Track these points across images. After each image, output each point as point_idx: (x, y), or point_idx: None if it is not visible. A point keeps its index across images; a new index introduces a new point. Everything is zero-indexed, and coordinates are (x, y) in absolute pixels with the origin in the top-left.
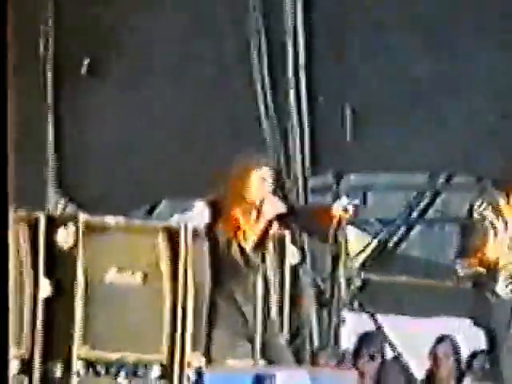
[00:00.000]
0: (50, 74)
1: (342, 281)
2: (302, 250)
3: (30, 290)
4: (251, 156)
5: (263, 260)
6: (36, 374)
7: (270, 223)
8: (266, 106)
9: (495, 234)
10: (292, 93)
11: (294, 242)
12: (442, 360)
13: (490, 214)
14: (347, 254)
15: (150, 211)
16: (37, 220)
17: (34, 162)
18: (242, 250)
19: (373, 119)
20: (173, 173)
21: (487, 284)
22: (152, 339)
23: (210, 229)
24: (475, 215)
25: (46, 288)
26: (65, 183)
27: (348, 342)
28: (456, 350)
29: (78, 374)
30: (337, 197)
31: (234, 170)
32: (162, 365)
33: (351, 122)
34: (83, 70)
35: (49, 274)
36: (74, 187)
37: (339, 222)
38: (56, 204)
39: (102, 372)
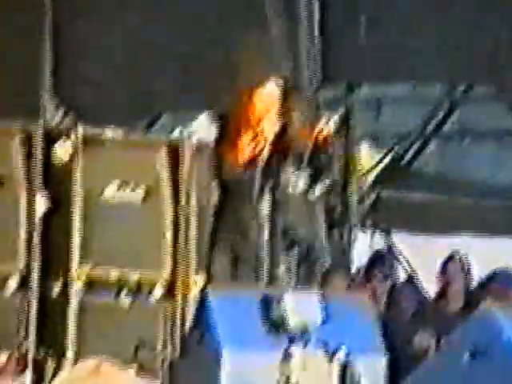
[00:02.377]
0: None
1: (354, 198)
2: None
3: (27, 206)
4: (260, 69)
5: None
6: (34, 292)
7: (265, 143)
8: (276, 12)
9: None
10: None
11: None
12: (453, 278)
13: None
14: (359, 171)
15: (151, 124)
16: (33, 133)
17: (30, 71)
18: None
19: (388, 28)
20: (175, 84)
21: None
22: (154, 259)
23: (216, 144)
24: None
25: (42, 204)
26: (62, 94)
27: (360, 261)
28: (468, 268)
29: (78, 293)
30: (350, 110)
31: (241, 83)
32: (164, 285)
33: (365, 30)
34: None
35: (45, 189)
36: (71, 98)
37: (321, 141)
38: (53, 116)
39: (103, 291)
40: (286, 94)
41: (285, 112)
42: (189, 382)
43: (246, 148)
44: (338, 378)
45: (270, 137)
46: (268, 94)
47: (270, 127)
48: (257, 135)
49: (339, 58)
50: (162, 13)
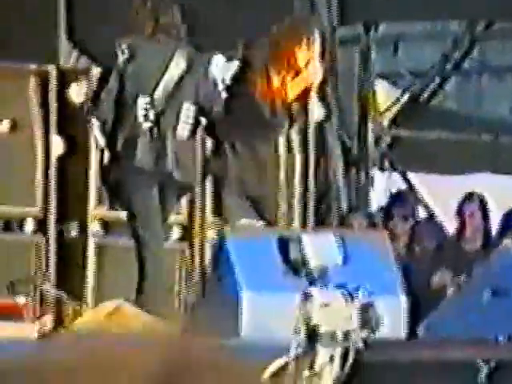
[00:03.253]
0: None
1: (371, 138)
2: (327, 105)
3: (42, 148)
4: (299, 19)
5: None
6: (51, 234)
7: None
8: None
9: None
10: None
11: (320, 98)
12: (471, 217)
13: None
14: (376, 110)
15: None
16: (48, 74)
17: (45, 13)
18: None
19: None
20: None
21: None
22: None
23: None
24: None
25: (58, 145)
26: (77, 35)
27: (378, 202)
28: (485, 207)
29: (95, 235)
30: (367, 48)
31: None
32: (181, 228)
33: None
34: None
35: (61, 130)
36: (86, 39)
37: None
38: (68, 56)
39: (120, 233)
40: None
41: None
42: (208, 324)
43: (281, 88)
44: (358, 319)
45: (315, 82)
46: (308, 42)
47: (313, 73)
48: (295, 77)
49: None
50: None
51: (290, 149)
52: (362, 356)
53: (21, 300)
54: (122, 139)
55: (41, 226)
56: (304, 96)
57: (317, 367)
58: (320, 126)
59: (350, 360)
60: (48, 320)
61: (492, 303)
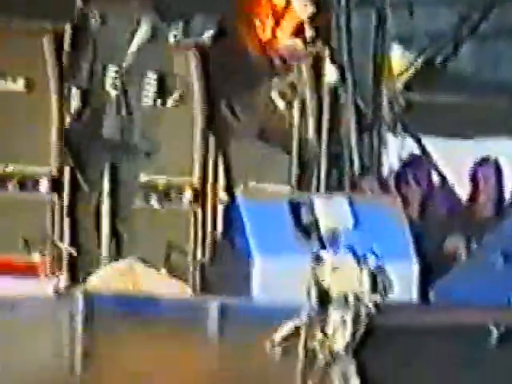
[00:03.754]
0: None
1: (385, 102)
2: (341, 68)
3: (58, 107)
4: None
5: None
6: (65, 193)
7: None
8: None
9: None
10: None
11: (333, 60)
12: (485, 182)
13: None
14: (390, 73)
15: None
16: (64, 32)
17: None
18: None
19: None
20: None
21: None
22: (184, 163)
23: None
24: None
25: (77, 103)
26: None
27: (390, 166)
28: (500, 172)
29: (108, 196)
30: (382, 12)
31: None
32: (193, 189)
33: None
34: None
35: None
36: None
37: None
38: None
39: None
40: None
41: None
42: (220, 286)
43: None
44: (369, 283)
45: (305, 16)
46: None
47: (300, 7)
48: (281, 20)
49: None
50: None
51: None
52: (373, 320)
53: (36, 257)
54: (91, 108)
55: (55, 185)
56: (298, 34)
57: (328, 330)
58: (334, 89)
59: (362, 323)
60: (62, 277)
61: (504, 268)
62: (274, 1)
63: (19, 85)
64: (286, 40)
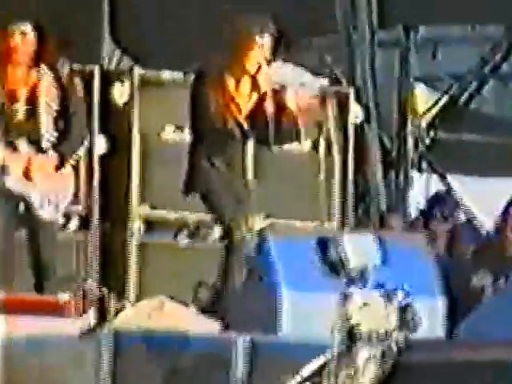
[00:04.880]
0: None
1: (410, 140)
2: (366, 107)
3: (85, 147)
4: (253, 20)
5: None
6: (94, 232)
7: (264, 95)
8: None
9: None
10: None
11: (357, 99)
12: (510, 219)
13: None
14: (415, 112)
15: None
16: (91, 74)
17: (89, 13)
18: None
19: None
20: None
21: None
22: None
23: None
24: None
25: (101, 144)
26: (120, 35)
27: (417, 203)
28: None
29: (137, 234)
30: (406, 51)
31: (233, 35)
32: (222, 226)
33: None
34: None
35: (104, 130)
36: (129, 40)
37: None
38: (111, 57)
39: (162, 231)
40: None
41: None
42: (248, 322)
43: (243, 99)
44: (397, 320)
45: (267, 89)
46: (260, 45)
47: (265, 81)
48: (255, 87)
49: (397, 1)
50: None
51: (329, 149)
52: (400, 356)
53: (64, 297)
54: None
55: (84, 223)
56: (260, 105)
57: (356, 367)
58: (359, 127)
59: (390, 360)
60: (90, 316)
61: None
62: (248, 63)
63: None
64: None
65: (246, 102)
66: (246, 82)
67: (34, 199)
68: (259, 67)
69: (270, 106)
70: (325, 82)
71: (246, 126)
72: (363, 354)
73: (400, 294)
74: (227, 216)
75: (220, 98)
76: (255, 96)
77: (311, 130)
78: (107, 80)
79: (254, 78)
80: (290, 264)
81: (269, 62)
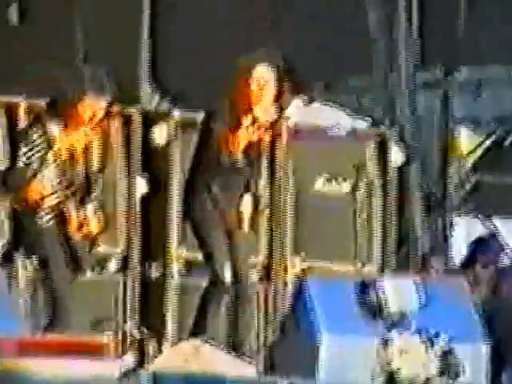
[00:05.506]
0: None
1: (452, 182)
2: (407, 149)
3: (125, 188)
4: (254, 55)
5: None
6: (134, 273)
7: (262, 129)
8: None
9: None
10: None
11: (399, 140)
12: None
13: None
14: (458, 154)
15: None
16: (131, 116)
17: (128, 55)
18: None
19: (487, 11)
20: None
21: None
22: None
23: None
24: None
25: (141, 186)
26: (159, 77)
27: (459, 246)
28: None
29: (177, 275)
30: (448, 93)
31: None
32: (261, 268)
33: (465, 12)
34: None
35: (144, 171)
36: (168, 82)
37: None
38: (150, 99)
39: (200, 273)
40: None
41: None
42: (286, 365)
43: (244, 134)
44: (438, 366)
45: (265, 123)
46: (260, 79)
47: (263, 113)
48: (254, 121)
49: (437, 41)
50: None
51: (370, 192)
52: None
53: (104, 338)
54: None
55: (124, 265)
56: (259, 141)
57: None
58: (400, 169)
59: None
60: (129, 359)
61: None
62: (250, 101)
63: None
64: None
65: (245, 136)
66: (248, 117)
67: None
68: (261, 103)
69: (266, 141)
70: (364, 123)
71: (240, 160)
72: None
73: (441, 340)
74: (216, 255)
75: (222, 131)
76: (253, 130)
77: (351, 171)
78: (147, 121)
79: (255, 114)
80: (328, 307)
81: (275, 99)
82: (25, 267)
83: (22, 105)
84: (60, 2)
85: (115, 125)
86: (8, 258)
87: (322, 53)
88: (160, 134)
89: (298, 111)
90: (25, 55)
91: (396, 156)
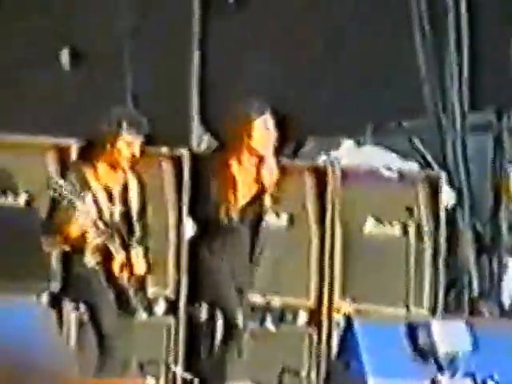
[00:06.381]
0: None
1: (504, 224)
2: (459, 191)
3: (174, 230)
4: (252, 104)
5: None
6: (182, 316)
7: (263, 188)
8: (423, 33)
9: None
10: (451, 16)
11: (450, 183)
12: None
13: None
14: (509, 196)
15: (296, 150)
16: (180, 157)
17: (178, 96)
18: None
19: None
20: (318, 109)
21: None
22: (299, 284)
23: None
24: None
25: (190, 228)
26: (208, 117)
27: (511, 290)
28: None
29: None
30: (499, 135)
31: (234, 117)
32: (309, 311)
33: None
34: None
35: (193, 213)
36: (217, 122)
37: None
38: (200, 140)
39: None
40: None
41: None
42: None
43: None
44: None
45: (270, 181)
46: (265, 127)
47: (267, 173)
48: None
49: (488, 83)
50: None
51: (420, 234)
52: None
53: (151, 381)
54: None
55: (172, 307)
56: (260, 196)
57: None
58: (452, 212)
59: None
60: None
61: None
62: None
63: None
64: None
65: (245, 193)
66: (248, 172)
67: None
68: (262, 158)
69: (267, 200)
70: (415, 165)
71: (236, 218)
72: None
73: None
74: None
75: (221, 185)
76: (254, 189)
77: (401, 213)
78: (196, 161)
79: (258, 170)
80: (377, 349)
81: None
82: (74, 309)
83: (74, 147)
84: (111, 45)
85: (165, 166)
86: (57, 300)
87: (373, 93)
88: None
89: (348, 153)
90: (76, 100)
91: (447, 198)
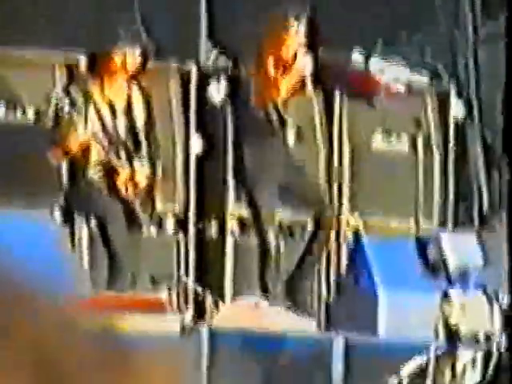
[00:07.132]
0: None
1: None
2: (468, 103)
3: (182, 146)
4: (286, 8)
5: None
6: (191, 233)
7: (303, 80)
8: None
9: None
10: None
11: (459, 94)
12: None
13: None
14: None
15: None
16: (188, 73)
17: (186, 10)
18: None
19: None
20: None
21: None
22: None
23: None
24: None
25: (197, 144)
26: (217, 32)
27: None
28: None
29: (233, 234)
30: (510, 44)
31: (267, 23)
32: (317, 225)
33: None
34: None
35: (200, 129)
36: (226, 37)
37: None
38: (207, 55)
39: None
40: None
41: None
42: (345, 322)
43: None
44: (500, 322)
45: (306, 73)
46: (295, 30)
47: (302, 65)
48: (287, 71)
49: None
50: None
51: (428, 146)
52: (504, 359)
53: (163, 294)
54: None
55: (181, 224)
56: (300, 90)
57: (458, 369)
58: (460, 124)
59: (492, 363)
60: (189, 314)
61: None
62: (284, 50)
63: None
64: None
65: (284, 87)
66: (280, 68)
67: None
68: (295, 53)
69: (310, 91)
70: (424, 77)
71: (283, 111)
72: (463, 356)
73: (503, 296)
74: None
75: (259, 81)
76: (292, 81)
77: (409, 126)
78: (204, 78)
79: (289, 65)
80: (387, 264)
81: (306, 49)
82: (84, 225)
83: (82, 61)
84: None
85: (171, 81)
86: (69, 215)
87: (385, 7)
88: (217, 91)
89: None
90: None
91: (456, 109)
